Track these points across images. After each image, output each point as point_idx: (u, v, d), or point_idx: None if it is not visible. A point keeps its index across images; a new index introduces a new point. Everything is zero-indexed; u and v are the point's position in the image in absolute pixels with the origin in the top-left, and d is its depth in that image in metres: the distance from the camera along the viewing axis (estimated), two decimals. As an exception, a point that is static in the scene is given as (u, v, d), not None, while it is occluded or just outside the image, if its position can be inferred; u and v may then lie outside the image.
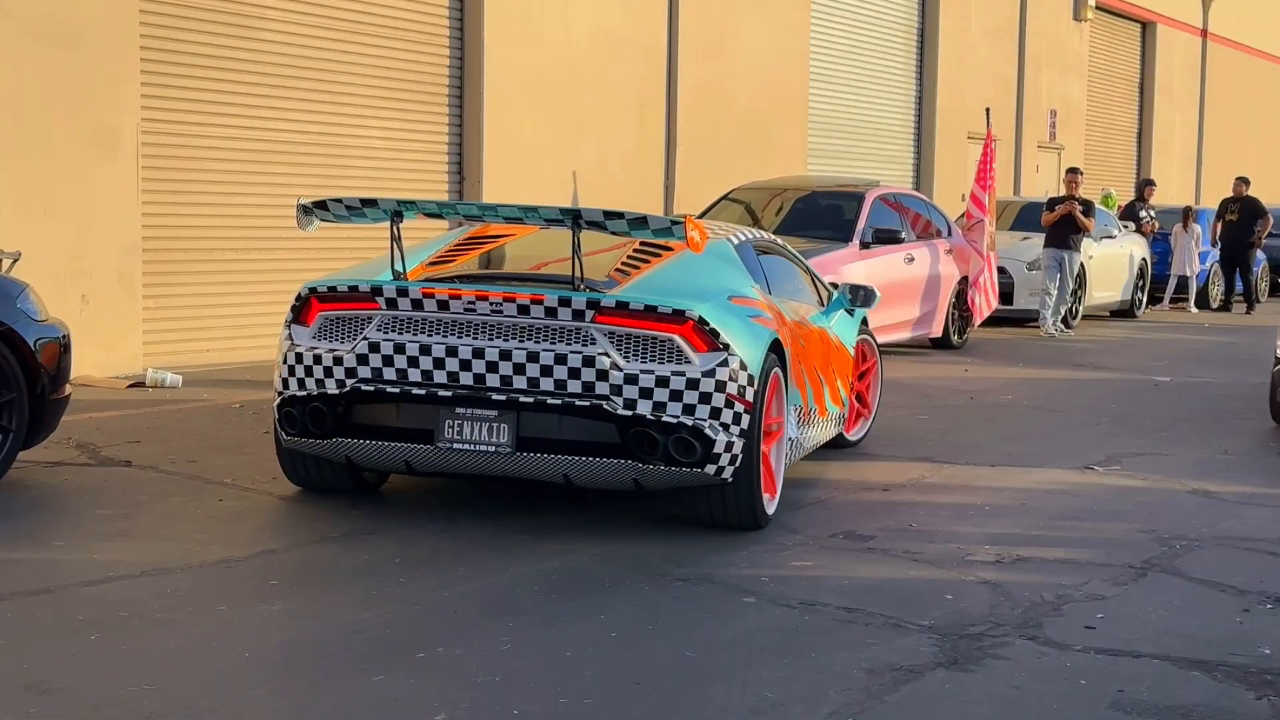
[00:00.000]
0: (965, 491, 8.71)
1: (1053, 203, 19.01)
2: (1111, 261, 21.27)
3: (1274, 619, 6.17)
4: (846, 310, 9.62)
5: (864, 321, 10.04)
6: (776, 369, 7.48)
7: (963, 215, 18.35)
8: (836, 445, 9.71)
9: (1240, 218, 23.67)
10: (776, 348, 7.48)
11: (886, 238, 15.45)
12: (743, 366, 7.01)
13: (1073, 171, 19.62)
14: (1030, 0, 26.97)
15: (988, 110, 19.19)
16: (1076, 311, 19.80)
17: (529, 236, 8.22)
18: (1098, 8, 29.68)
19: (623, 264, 7.60)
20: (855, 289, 9.65)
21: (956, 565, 6.86)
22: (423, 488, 8.12)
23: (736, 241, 8.32)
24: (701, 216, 14.58)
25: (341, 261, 14.10)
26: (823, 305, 9.34)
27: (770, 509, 7.51)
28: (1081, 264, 19.32)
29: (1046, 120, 28.01)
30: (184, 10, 12.94)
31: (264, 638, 5.45)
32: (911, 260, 15.81)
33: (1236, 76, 37.45)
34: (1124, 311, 22.11)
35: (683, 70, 18.27)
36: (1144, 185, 25.34)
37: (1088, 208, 18.83)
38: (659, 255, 7.72)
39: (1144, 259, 22.49)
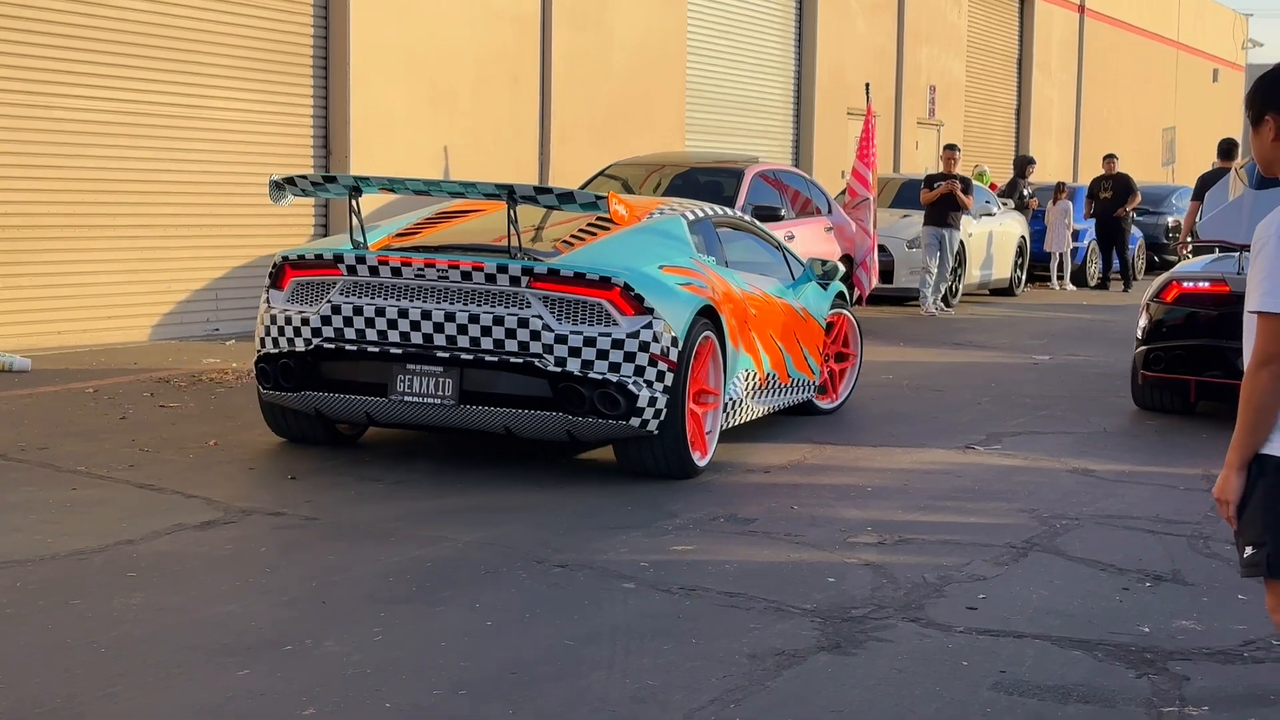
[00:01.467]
0: (847, 472, 8.70)
1: (931, 180, 19.05)
2: (991, 239, 21.41)
3: (1153, 597, 6.21)
4: (819, 284, 10.20)
5: (840, 296, 10.57)
6: (709, 332, 8.11)
7: (844, 192, 18.35)
8: (809, 412, 10.28)
9: (1114, 195, 23.85)
10: (709, 313, 8.14)
11: (766, 215, 15.33)
12: (668, 329, 7.71)
13: (950, 148, 19.67)
14: (909, -26, 27.07)
15: (867, 86, 19.20)
16: (956, 290, 19.92)
17: (496, 213, 8.68)
18: (976, -19, 29.95)
19: (570, 236, 8.39)
20: (822, 264, 10.27)
21: (839, 547, 6.83)
22: (290, 473, 7.95)
23: (692, 218, 9.02)
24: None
25: (199, 240, 13.81)
26: (793, 279, 9.94)
27: (702, 463, 8.20)
28: (961, 242, 19.43)
29: (926, 96, 28.16)
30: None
31: (121, 632, 5.24)
32: (791, 238, 15.69)
33: (1113, 53, 37.96)
34: (1004, 290, 22.28)
35: (556, 41, 17.95)
36: (1024, 163, 25.49)
37: (966, 185, 18.92)
38: (607, 229, 8.41)
39: (1023, 236, 22.65)
